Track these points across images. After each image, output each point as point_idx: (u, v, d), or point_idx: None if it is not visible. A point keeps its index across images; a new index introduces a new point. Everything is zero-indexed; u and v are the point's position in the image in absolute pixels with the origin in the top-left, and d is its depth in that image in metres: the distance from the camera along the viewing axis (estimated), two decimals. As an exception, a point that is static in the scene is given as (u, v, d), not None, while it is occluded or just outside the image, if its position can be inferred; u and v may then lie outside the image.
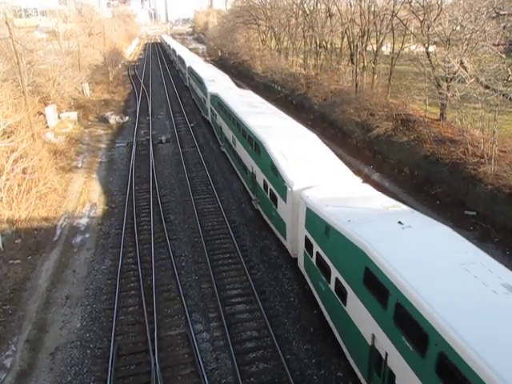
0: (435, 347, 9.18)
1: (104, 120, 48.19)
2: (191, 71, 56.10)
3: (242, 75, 73.46)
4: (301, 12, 61.83)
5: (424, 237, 12.66)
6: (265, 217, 23.50)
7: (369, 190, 17.46)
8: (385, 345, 11.21)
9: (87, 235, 23.72)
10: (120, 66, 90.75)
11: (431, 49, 35.09)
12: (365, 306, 12.03)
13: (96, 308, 17.75)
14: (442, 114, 32.70)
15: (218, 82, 41.70)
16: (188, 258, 21.17)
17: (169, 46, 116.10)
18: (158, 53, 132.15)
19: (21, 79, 33.06)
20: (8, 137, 25.06)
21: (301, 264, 18.07)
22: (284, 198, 19.10)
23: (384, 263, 11.20)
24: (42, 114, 40.30)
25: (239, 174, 29.51)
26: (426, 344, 9.47)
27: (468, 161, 25.63)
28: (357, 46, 46.03)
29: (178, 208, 26.60)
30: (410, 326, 10.05)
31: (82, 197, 28.60)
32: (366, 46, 45.30)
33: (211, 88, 39.66)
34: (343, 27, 49.15)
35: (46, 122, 40.41)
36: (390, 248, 11.81)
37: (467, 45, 29.25)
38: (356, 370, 13.29)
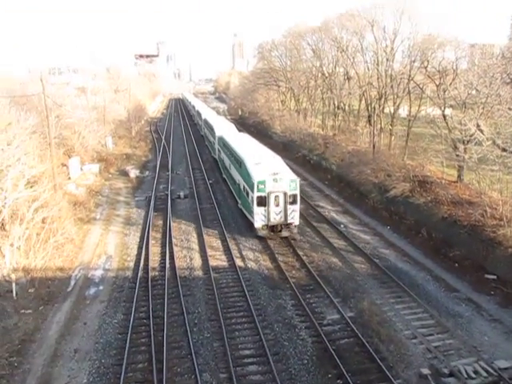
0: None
1: (124, 173, 49.14)
2: (206, 122, 68.03)
3: (261, 134, 74.39)
4: (320, 74, 63.78)
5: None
6: (214, 153, 55.06)
7: (236, 131, 54.10)
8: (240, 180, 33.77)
9: (101, 287, 23.63)
10: (143, 121, 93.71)
11: (447, 112, 35.63)
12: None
13: (104, 363, 17.35)
14: (459, 176, 32.69)
15: (224, 129, 53.33)
16: (201, 314, 20.80)
17: (190, 102, 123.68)
18: (179, 110, 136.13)
19: (48, 132, 34.38)
20: (31, 186, 25.67)
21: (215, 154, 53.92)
22: (212, 133, 55.72)
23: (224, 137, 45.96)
24: (65, 165, 41.40)
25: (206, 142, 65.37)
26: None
27: (486, 223, 25.29)
28: (374, 108, 46.98)
29: (193, 263, 26.46)
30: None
31: (99, 248, 28.74)
32: (384, 108, 46.26)
33: (218, 132, 51.24)
34: (361, 90, 50.44)
35: (69, 174, 41.40)
36: (228, 134, 46.48)
37: (483, 108, 29.69)
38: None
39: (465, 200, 28.71)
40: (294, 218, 29.13)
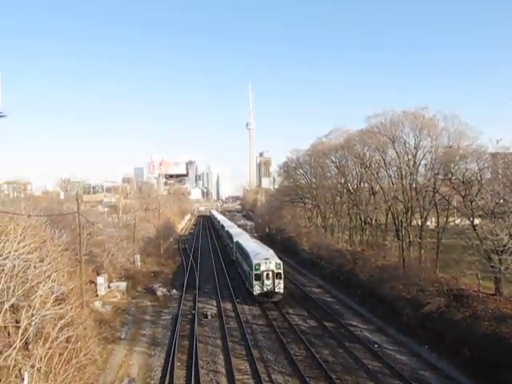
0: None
1: (152, 291, 48.77)
2: (227, 232, 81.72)
3: (289, 251, 73.67)
4: (345, 190, 65.02)
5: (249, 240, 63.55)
6: (232, 256, 67.14)
7: (248, 237, 69.80)
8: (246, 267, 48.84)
9: (120, 415, 22.20)
10: (171, 239, 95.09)
11: (477, 222, 35.15)
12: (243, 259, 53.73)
13: None
14: (497, 289, 31.26)
15: (240, 237, 67.00)
16: None
17: (216, 218, 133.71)
18: (207, 228, 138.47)
19: (79, 249, 35.16)
20: (59, 303, 25.50)
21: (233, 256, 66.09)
22: (231, 241, 69.41)
23: (238, 241, 61.16)
24: (93, 282, 41.53)
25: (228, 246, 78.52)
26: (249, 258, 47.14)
27: (537, 340, 23.41)
28: (401, 221, 46.87)
29: (219, 386, 24.99)
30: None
31: (121, 370, 27.68)
32: (411, 221, 46.02)
33: (235, 239, 64.99)
34: (387, 204, 50.76)
35: (96, 291, 41.40)
36: (241, 239, 61.82)
37: (513, 217, 29.20)
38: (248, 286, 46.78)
39: (507, 315, 27.11)
40: (280, 288, 43.12)
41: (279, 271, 43.38)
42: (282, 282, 43.18)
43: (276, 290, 42.69)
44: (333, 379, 25.09)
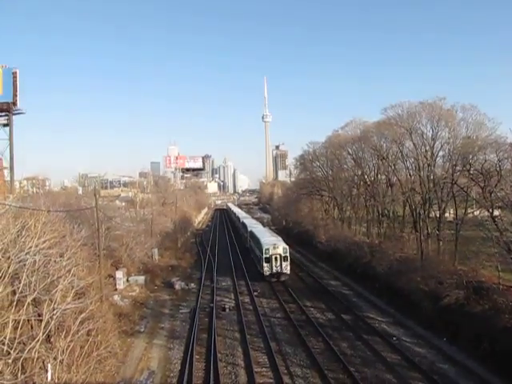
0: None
1: (170, 285, 49.22)
2: (242, 223, 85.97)
3: (306, 243, 73.53)
4: (362, 183, 64.57)
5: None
6: (247, 244, 72.21)
7: (260, 226, 76.26)
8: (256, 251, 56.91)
9: (141, 406, 22.53)
10: (188, 233, 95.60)
11: (496, 213, 34.62)
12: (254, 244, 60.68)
13: None
14: (517, 281, 30.81)
15: (253, 226, 74.27)
16: None
17: (232, 211, 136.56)
18: (224, 221, 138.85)
19: (98, 244, 35.58)
20: (79, 298, 25.93)
21: (247, 244, 71.24)
22: (246, 231, 74.37)
23: (252, 230, 67.35)
24: (112, 276, 42.01)
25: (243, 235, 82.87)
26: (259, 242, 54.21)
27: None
28: (419, 213, 46.41)
29: (238, 381, 25.18)
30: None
31: (141, 363, 28.00)
32: (429, 212, 45.54)
33: (249, 228, 71.55)
34: (404, 196, 50.33)
35: (115, 285, 41.88)
36: (254, 228, 69.02)
37: (534, 208, 28.73)
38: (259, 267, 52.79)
39: (528, 308, 26.68)
40: (287, 269, 49.53)
41: (286, 255, 49.69)
42: (288, 264, 49.65)
43: (283, 271, 49.24)
44: (351, 372, 25.11)
